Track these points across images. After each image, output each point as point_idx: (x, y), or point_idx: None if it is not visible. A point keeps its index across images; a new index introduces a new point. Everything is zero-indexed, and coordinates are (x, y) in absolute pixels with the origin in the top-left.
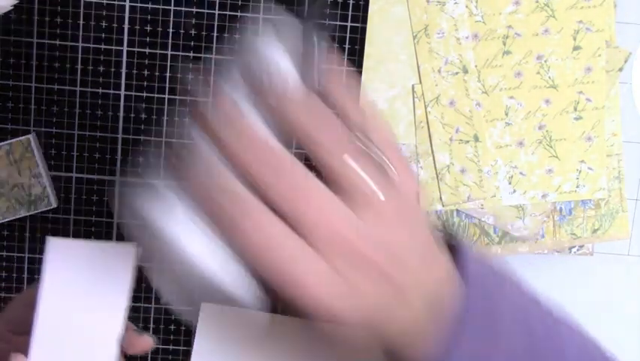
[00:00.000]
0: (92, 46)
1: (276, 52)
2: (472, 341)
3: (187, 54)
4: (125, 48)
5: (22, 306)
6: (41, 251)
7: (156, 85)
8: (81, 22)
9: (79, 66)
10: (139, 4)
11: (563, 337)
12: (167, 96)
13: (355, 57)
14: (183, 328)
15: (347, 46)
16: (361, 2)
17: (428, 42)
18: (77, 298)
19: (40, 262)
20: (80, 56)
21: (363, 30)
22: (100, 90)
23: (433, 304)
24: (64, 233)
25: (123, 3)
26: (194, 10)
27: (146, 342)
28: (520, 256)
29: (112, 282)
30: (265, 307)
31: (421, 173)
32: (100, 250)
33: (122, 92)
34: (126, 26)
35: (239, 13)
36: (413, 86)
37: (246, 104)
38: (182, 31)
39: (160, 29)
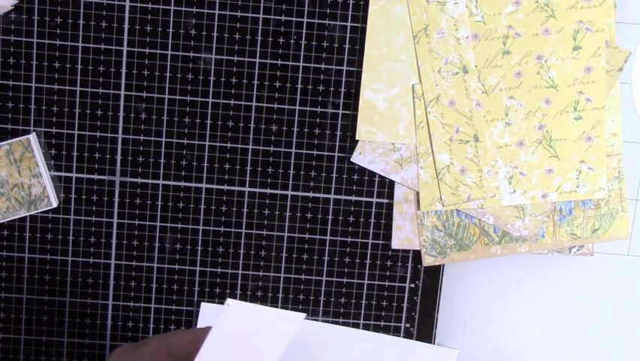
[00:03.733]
0: (92, 46)
1: None
2: None
3: (187, 54)
4: (125, 48)
5: (188, 342)
6: (41, 251)
7: (156, 85)
8: (81, 22)
9: (79, 66)
10: (139, 4)
11: None
12: (167, 96)
13: (355, 57)
14: (183, 328)
15: (347, 46)
16: (361, 2)
17: (428, 42)
18: (236, 354)
19: (40, 262)
20: (80, 56)
21: (363, 30)
22: (100, 90)
23: None
24: (64, 233)
25: (123, 3)
26: (194, 10)
27: None
28: (520, 256)
29: (269, 346)
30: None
31: (421, 173)
32: (268, 316)
33: (122, 92)
34: (126, 26)
35: (239, 13)
36: (413, 86)
37: None
38: (182, 31)
39: (160, 29)
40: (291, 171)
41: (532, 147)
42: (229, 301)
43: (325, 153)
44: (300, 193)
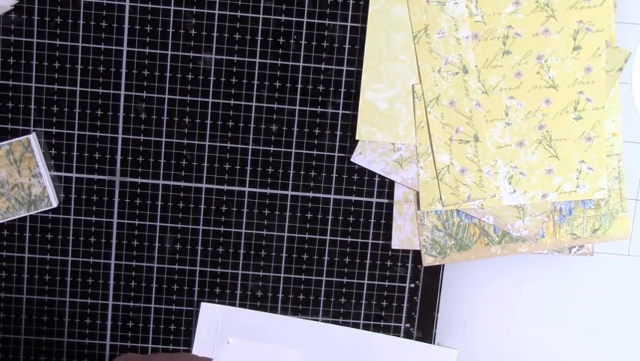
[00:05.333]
0: (92, 46)
1: None
2: None
3: (187, 54)
4: (125, 48)
5: None
6: (41, 251)
7: (156, 85)
8: (81, 22)
9: (79, 66)
10: (139, 4)
11: None
12: (167, 96)
13: (355, 57)
14: (183, 328)
15: (347, 46)
16: (361, 2)
17: (428, 42)
18: None
19: (40, 262)
20: (80, 56)
21: (363, 30)
22: (100, 90)
23: None
24: (64, 233)
25: (123, 3)
26: (194, 10)
27: None
28: (520, 256)
29: None
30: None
31: (421, 173)
32: (267, 351)
33: (122, 92)
34: (126, 26)
35: (239, 13)
36: (413, 86)
37: None
38: (182, 31)
39: (160, 29)
40: (291, 171)
41: (532, 147)
42: (230, 339)
43: (325, 153)
44: (300, 193)
